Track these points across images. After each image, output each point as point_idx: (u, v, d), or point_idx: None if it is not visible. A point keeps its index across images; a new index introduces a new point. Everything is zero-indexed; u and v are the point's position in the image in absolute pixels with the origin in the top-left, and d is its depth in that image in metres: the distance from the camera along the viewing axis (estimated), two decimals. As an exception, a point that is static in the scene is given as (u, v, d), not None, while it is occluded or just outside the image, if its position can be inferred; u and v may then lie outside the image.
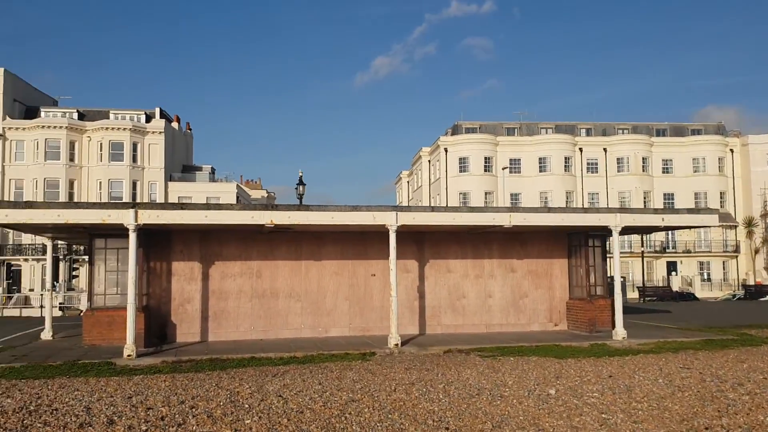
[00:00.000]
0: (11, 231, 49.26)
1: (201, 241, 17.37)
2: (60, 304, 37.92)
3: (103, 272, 16.79)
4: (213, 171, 61.35)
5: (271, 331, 17.54)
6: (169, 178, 53.89)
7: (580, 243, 19.43)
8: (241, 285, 17.52)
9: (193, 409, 8.76)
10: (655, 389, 10.27)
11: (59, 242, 44.92)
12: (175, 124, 59.34)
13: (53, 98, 59.20)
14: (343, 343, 16.36)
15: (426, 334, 18.25)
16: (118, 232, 16.25)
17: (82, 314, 35.35)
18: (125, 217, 14.26)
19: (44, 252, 49.00)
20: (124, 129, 51.64)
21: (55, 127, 50.64)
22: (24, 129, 50.58)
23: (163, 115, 56.90)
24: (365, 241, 18.20)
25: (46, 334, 18.67)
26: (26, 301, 45.31)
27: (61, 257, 40.79)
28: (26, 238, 49.59)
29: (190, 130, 65.66)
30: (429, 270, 18.62)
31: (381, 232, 17.18)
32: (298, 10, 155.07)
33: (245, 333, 17.38)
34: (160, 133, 53.04)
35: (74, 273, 43.09)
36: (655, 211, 18.19)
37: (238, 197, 56.37)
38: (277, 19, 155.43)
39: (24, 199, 45.64)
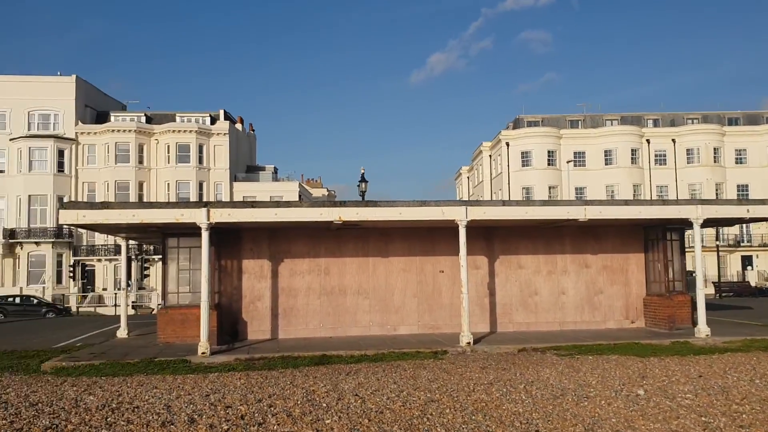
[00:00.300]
0: (85, 233, 51.13)
1: (270, 238, 17.44)
2: (132, 302, 39.11)
3: (176, 271, 17.06)
4: (276, 171, 62.16)
5: (339, 329, 17.46)
6: (233, 178, 54.84)
7: (657, 237, 18.60)
8: (310, 282, 17.51)
9: (272, 408, 8.67)
10: (753, 390, 9.61)
11: (131, 242, 46.37)
12: (238, 125, 60.41)
13: (122, 103, 61.15)
14: (413, 341, 16.12)
15: (497, 332, 17.82)
16: (190, 231, 16.46)
17: (155, 312, 36.50)
18: (198, 216, 14.40)
19: (116, 252, 50.66)
20: (190, 131, 52.83)
21: (124, 131, 52.23)
22: (95, 133, 52.35)
23: (227, 116, 57.97)
24: (433, 237, 17.91)
25: (122, 332, 19.14)
26: (100, 300, 47.03)
27: (132, 257, 42.06)
28: (99, 239, 51.31)
29: (253, 130, 66.76)
30: (499, 266, 18.17)
31: (449, 228, 16.85)
32: (353, 8, 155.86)
33: (314, 330, 17.36)
34: (225, 134, 54.04)
35: (145, 272, 44.37)
36: (739, 201, 17.20)
37: (300, 196, 56.92)
38: (333, 18, 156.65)
39: (96, 201, 47.34)
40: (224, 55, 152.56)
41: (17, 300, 39.89)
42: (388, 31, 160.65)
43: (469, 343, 14.98)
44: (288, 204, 15.14)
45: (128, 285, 21.54)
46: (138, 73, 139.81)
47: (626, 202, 16.54)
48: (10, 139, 50.70)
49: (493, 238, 18.21)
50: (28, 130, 51.35)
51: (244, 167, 60.64)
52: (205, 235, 14.53)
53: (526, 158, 57.80)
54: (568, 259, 18.59)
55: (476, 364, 12.66)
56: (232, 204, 14.86)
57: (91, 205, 14.73)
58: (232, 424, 7.87)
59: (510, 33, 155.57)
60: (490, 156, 64.76)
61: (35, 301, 40.15)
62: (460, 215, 15.13)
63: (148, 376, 12.17)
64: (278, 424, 7.83)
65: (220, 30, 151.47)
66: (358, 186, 31.90)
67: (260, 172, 60.51)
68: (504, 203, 15.74)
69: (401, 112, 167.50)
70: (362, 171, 32.49)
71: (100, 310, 43.26)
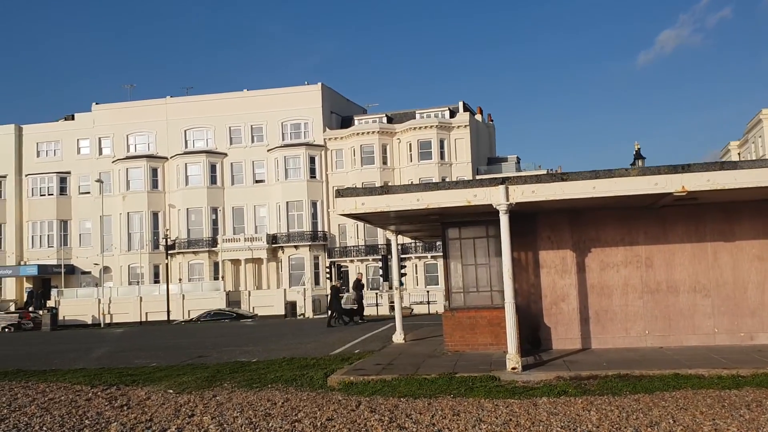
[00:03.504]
0: (337, 234, 52.36)
1: (571, 223, 13.99)
2: (390, 303, 38.34)
3: (460, 267, 14.41)
4: (518, 160, 58.61)
5: (671, 337, 13.41)
6: (476, 171, 52.43)
7: None
8: (627, 277, 13.70)
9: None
10: None
11: (379, 243, 46.27)
12: (478, 116, 57.98)
13: (363, 107, 62.11)
14: (793, 354, 11.58)
15: None
16: (472, 219, 13.81)
17: (412, 313, 35.24)
18: (494, 196, 11.45)
19: (367, 253, 51.06)
20: (431, 127, 51.52)
21: (367, 133, 52.56)
22: (341, 138, 53.43)
23: (466, 108, 55.82)
24: (799, 211, 13.09)
25: (398, 337, 17.09)
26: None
27: (388, 255, 41.37)
28: (350, 240, 52.14)
29: (492, 121, 63.90)
30: None
31: (825, 198, 12.08)
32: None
33: (637, 339, 13.52)
34: (465, 126, 51.88)
35: (402, 271, 43.44)
36: None
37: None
38: (555, 7, 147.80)
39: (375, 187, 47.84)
40: (455, 47, 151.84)
41: None
42: (611, 12, 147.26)
43: None
44: (609, 173, 11.49)
45: (401, 284, 19.58)
46: (373, 78, 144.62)
47: None
48: (268, 150, 53.67)
49: None
50: (282, 140, 53.91)
51: (485, 159, 58.01)
52: (504, 219, 11.52)
53: (826, 122, 47.29)
54: None
55: None
56: (536, 178, 11.69)
57: (370, 191, 12.51)
58: None
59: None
60: (773, 125, 54.52)
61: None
62: None
63: (457, 399, 9.49)
64: None
65: (449, 25, 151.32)
66: (632, 165, 27.35)
67: (503, 163, 57.42)
68: None
69: (630, 96, 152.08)
70: (637, 147, 27.82)
71: (356, 311, 43.18)
